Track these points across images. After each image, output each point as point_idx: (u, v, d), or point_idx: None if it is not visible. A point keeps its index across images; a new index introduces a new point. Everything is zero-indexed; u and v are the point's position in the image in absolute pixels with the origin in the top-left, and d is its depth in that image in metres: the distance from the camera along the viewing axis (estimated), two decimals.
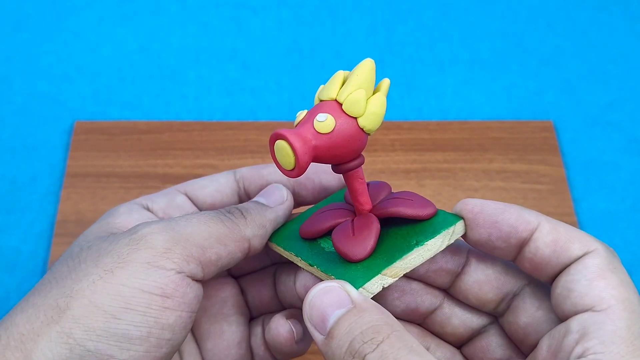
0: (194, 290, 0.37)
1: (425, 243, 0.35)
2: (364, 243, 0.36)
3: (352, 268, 0.36)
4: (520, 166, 0.60)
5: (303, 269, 0.39)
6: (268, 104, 0.64)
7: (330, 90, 0.36)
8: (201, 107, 0.64)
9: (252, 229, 0.39)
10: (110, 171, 0.60)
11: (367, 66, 0.36)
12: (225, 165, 0.60)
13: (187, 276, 0.37)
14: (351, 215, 0.39)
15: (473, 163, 0.60)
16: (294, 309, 0.42)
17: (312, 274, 0.38)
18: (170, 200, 0.43)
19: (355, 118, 0.35)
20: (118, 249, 0.37)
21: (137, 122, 0.62)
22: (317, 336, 0.34)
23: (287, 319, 0.40)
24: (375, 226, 0.37)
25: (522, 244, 0.35)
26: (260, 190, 0.44)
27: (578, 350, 0.32)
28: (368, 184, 0.40)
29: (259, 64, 0.66)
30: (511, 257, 0.36)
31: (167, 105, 0.64)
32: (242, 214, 0.40)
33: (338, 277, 0.35)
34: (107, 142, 0.61)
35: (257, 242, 0.40)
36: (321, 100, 0.36)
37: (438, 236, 0.36)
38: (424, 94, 0.65)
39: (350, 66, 0.67)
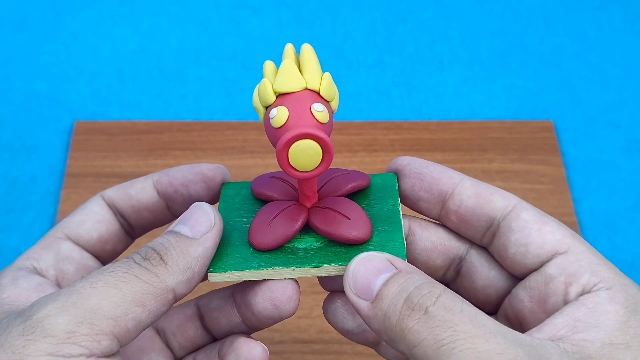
0: None
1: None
2: (364, 220, 0.35)
3: (365, 248, 0.35)
4: (520, 166, 0.60)
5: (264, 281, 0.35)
6: None
7: (296, 80, 0.33)
8: (201, 107, 0.64)
9: (176, 275, 0.33)
10: (110, 171, 0.60)
11: (311, 50, 0.34)
12: (226, 165, 0.60)
13: (100, 357, 0.31)
14: (301, 206, 0.36)
15: (473, 163, 0.60)
16: (242, 333, 0.37)
17: (293, 280, 0.35)
18: (56, 252, 0.37)
19: (328, 102, 0.34)
20: (11, 341, 0.30)
21: (137, 122, 0.62)
22: (362, 303, 0.32)
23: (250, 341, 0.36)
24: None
25: (445, 196, 0.37)
26: (145, 211, 0.39)
27: (575, 289, 0.33)
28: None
29: (259, 64, 0.66)
30: (436, 211, 0.38)
31: (167, 105, 0.64)
32: (161, 257, 0.33)
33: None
34: (107, 142, 0.61)
35: (184, 289, 0.33)
36: (282, 94, 0.33)
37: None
38: (424, 94, 0.65)
39: (351, 66, 0.67)
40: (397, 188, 0.38)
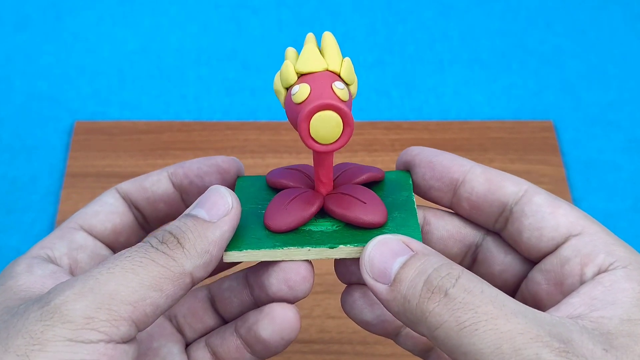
0: (129, 354, 0.31)
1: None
2: (379, 205, 0.35)
3: (381, 232, 0.35)
4: (520, 166, 0.60)
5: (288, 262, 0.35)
6: (268, 104, 0.64)
7: (318, 61, 0.33)
8: (201, 107, 0.64)
9: (193, 259, 0.33)
10: (110, 171, 0.60)
11: (332, 37, 0.34)
12: None
13: (119, 343, 0.31)
14: (317, 192, 0.37)
15: None
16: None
17: (308, 261, 0.35)
18: (70, 241, 0.37)
19: (348, 85, 0.34)
20: (29, 326, 0.30)
21: (137, 122, 0.62)
22: (379, 287, 0.32)
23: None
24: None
25: (456, 184, 0.37)
26: (160, 203, 0.39)
27: (591, 269, 0.34)
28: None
29: (259, 64, 0.66)
30: (448, 199, 0.38)
31: (167, 105, 0.64)
32: (179, 241, 0.33)
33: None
34: (107, 142, 0.61)
35: (202, 272, 0.33)
36: (304, 74, 0.34)
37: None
38: (424, 94, 0.65)
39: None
40: (411, 183, 0.38)
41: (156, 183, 0.39)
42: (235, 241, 0.35)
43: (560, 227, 0.35)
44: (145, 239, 0.33)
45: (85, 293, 0.30)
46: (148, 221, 0.40)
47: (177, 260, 0.32)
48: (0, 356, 0.29)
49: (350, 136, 0.33)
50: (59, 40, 0.67)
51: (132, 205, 0.39)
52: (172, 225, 0.33)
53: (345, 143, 0.33)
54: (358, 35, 0.68)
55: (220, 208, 0.34)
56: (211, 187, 0.35)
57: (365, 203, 0.35)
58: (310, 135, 0.33)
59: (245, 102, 0.64)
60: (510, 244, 0.37)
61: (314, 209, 0.35)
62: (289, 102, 0.34)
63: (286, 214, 0.35)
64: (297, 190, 0.36)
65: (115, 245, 0.39)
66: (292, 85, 0.34)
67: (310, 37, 0.35)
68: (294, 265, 0.35)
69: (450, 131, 0.62)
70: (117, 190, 0.39)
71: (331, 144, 0.33)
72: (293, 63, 0.34)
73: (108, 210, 0.38)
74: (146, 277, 0.31)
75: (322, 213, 0.36)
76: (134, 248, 0.33)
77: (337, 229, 0.35)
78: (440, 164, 0.38)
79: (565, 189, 0.59)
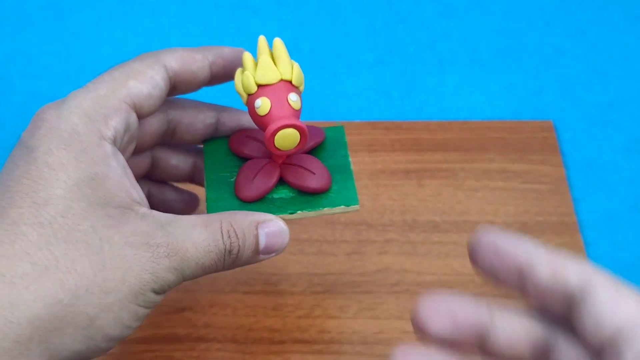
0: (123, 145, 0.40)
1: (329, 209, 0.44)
2: (325, 174, 0.44)
3: (327, 195, 0.44)
4: (520, 166, 0.60)
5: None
6: None
7: (273, 73, 0.41)
8: None
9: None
10: None
11: (282, 44, 0.42)
12: None
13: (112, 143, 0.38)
14: (274, 163, 0.44)
15: (473, 163, 0.60)
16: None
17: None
18: (126, 125, 0.41)
19: (298, 87, 0.42)
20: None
21: None
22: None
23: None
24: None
25: (521, 269, 0.35)
26: (195, 87, 0.44)
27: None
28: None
29: None
30: (513, 283, 0.36)
31: None
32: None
33: (331, 205, 0.43)
34: None
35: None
36: (262, 85, 0.41)
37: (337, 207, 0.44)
38: (424, 94, 0.65)
39: (351, 66, 0.67)
40: (345, 140, 0.46)
41: (201, 70, 0.43)
42: (216, 209, 0.43)
43: (620, 320, 0.33)
44: None
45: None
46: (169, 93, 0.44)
47: None
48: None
49: (305, 143, 0.42)
50: (59, 40, 0.67)
51: (172, 86, 0.43)
52: None
53: (301, 148, 0.42)
54: (358, 35, 0.68)
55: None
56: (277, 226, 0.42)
57: (314, 173, 0.44)
58: (275, 145, 0.41)
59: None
60: (576, 334, 0.35)
61: (274, 180, 0.44)
62: (252, 108, 0.41)
63: (254, 187, 0.43)
64: (259, 163, 0.44)
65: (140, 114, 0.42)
66: (252, 95, 0.41)
67: (262, 43, 0.42)
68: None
69: (450, 131, 0.62)
70: (166, 70, 0.42)
71: (290, 150, 0.42)
72: (252, 73, 0.41)
73: (157, 95, 0.41)
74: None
75: (280, 180, 0.44)
76: None
77: (293, 195, 0.44)
78: (504, 248, 0.36)
79: (565, 189, 0.59)
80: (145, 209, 0.38)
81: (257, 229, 0.41)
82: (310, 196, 0.44)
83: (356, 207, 0.44)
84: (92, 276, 0.36)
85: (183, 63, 0.42)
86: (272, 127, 0.40)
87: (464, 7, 0.70)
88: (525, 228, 0.57)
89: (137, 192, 0.39)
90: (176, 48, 0.43)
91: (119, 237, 0.37)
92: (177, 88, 0.43)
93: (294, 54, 0.67)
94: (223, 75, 0.44)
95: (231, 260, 0.40)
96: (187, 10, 0.70)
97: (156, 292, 0.38)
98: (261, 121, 0.41)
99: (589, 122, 0.63)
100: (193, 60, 0.42)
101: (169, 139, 0.46)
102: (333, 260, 0.55)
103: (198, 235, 0.38)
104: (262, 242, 0.41)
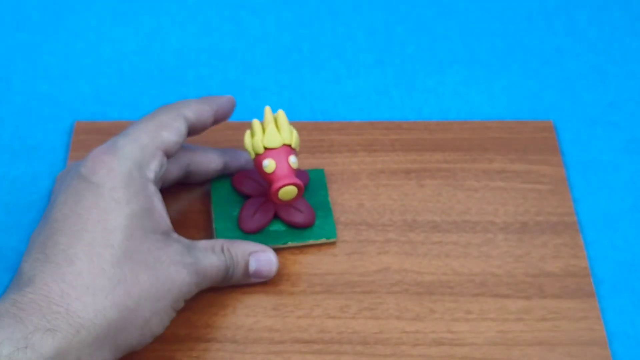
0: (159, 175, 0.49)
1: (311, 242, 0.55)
2: (310, 212, 0.55)
3: (312, 229, 0.55)
4: (520, 166, 0.60)
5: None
6: (268, 104, 0.64)
7: (276, 138, 0.51)
8: None
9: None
10: None
11: (284, 115, 0.52)
12: None
13: (152, 180, 0.48)
14: (270, 202, 0.54)
15: (473, 163, 0.60)
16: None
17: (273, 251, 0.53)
18: (159, 166, 0.49)
19: (295, 149, 0.52)
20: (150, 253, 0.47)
21: None
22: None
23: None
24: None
25: None
26: (201, 131, 0.53)
27: None
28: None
29: (259, 64, 0.66)
30: None
31: None
32: None
33: (315, 238, 0.55)
34: None
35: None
36: (268, 148, 0.51)
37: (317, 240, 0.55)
38: (424, 94, 0.65)
39: (351, 66, 0.67)
40: (325, 181, 0.57)
41: (209, 119, 0.52)
42: (224, 237, 0.54)
43: None
44: None
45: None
46: None
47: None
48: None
49: (301, 195, 0.53)
50: (59, 40, 0.67)
51: (188, 132, 0.52)
52: None
53: (297, 200, 0.53)
54: (358, 35, 0.68)
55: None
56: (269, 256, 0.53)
57: (302, 212, 0.54)
58: (278, 198, 0.52)
59: (245, 102, 0.64)
60: None
61: (270, 217, 0.54)
62: (259, 165, 0.51)
63: (254, 222, 0.54)
64: (258, 201, 0.55)
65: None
66: (260, 155, 0.51)
67: (268, 114, 0.52)
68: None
69: (450, 131, 0.62)
70: (185, 121, 0.51)
71: (289, 200, 0.52)
72: (261, 139, 0.51)
73: (180, 141, 0.50)
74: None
75: (276, 217, 0.55)
76: None
77: (285, 229, 0.55)
78: None
79: (565, 189, 0.59)
80: (176, 234, 0.49)
81: (249, 256, 0.51)
82: (298, 230, 0.55)
83: (334, 239, 0.55)
84: (149, 287, 0.46)
85: (197, 115, 0.51)
86: (277, 185, 0.51)
87: (464, 7, 0.70)
88: (525, 228, 0.56)
89: (169, 221, 0.49)
90: (189, 100, 0.52)
91: (166, 257, 0.47)
92: (190, 133, 0.52)
93: (294, 54, 0.67)
94: (221, 119, 0.54)
95: (227, 278, 0.51)
96: (187, 10, 0.70)
97: (185, 301, 0.48)
98: (267, 177, 0.51)
99: (589, 122, 0.63)
100: (203, 111, 0.52)
101: (184, 181, 0.57)
102: (333, 260, 0.55)
103: (212, 257, 0.49)
104: (253, 267, 0.52)
